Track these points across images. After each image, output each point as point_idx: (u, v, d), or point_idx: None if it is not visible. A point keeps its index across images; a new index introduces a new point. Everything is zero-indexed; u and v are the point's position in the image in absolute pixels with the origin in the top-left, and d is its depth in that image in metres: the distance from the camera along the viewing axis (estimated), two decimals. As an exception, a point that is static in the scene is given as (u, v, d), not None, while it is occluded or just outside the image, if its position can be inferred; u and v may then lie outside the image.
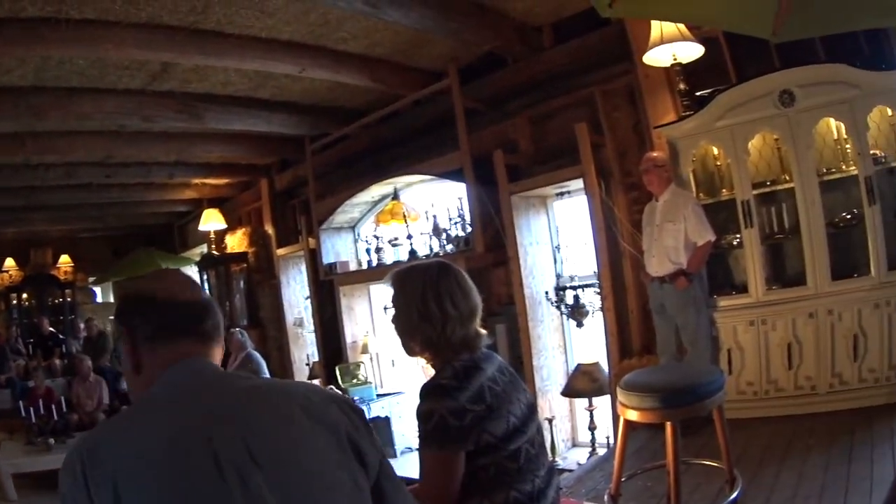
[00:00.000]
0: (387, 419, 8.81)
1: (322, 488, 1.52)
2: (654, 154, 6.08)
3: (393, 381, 9.95)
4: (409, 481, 1.97)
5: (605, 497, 3.94)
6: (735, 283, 6.32)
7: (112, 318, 1.91)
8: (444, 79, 7.91)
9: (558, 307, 7.48)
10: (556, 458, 7.05)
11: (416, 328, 2.46)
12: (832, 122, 5.87)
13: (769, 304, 5.90)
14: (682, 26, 5.87)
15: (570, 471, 6.04)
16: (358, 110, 9.25)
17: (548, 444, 6.84)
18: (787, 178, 5.94)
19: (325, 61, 7.37)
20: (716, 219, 6.02)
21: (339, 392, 6.87)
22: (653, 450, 5.21)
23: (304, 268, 11.18)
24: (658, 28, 5.93)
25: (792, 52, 5.67)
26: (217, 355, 1.76)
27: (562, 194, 7.66)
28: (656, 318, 6.15)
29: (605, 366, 6.85)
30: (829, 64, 5.65)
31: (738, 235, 6.10)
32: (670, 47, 6.01)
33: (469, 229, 7.91)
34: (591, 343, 7.36)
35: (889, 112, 5.67)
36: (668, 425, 3.47)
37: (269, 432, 1.53)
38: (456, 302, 2.47)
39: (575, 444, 7.77)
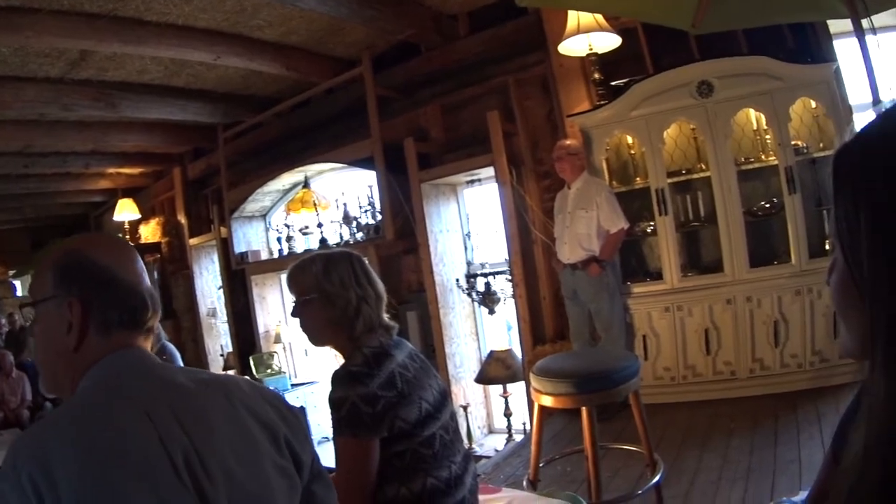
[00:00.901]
0: (302, 409, 8.01)
1: (264, 490, 1.41)
2: (567, 142, 5.77)
3: (306, 370, 9.42)
4: (328, 470, 1.75)
5: (524, 482, 3.69)
6: (649, 270, 6.13)
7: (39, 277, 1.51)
8: (358, 67, 7.42)
9: (469, 294, 7.13)
10: (473, 445, 6.77)
11: (324, 316, 2.31)
12: (752, 112, 5.71)
13: (685, 291, 5.67)
14: (599, 17, 5.63)
15: (488, 457, 5.79)
16: (271, 98, 8.69)
17: (463, 432, 6.43)
18: (704, 167, 5.73)
19: (240, 49, 6.87)
20: (629, 207, 5.80)
21: (270, 389, 6.27)
22: (570, 435, 5.00)
23: (216, 257, 10.50)
24: (575, 18, 5.65)
25: (712, 43, 5.53)
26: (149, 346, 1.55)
27: (472, 182, 7.23)
28: (568, 305, 5.86)
29: (518, 352, 6.49)
30: (751, 56, 5.49)
31: (652, 223, 5.85)
32: (587, 37, 5.75)
33: (379, 217, 7.42)
34: (503, 330, 7.09)
35: (813, 104, 5.54)
36: (584, 410, 3.27)
37: (217, 432, 1.39)
38: (363, 287, 2.34)
39: (491, 431, 7.38)
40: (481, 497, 2.51)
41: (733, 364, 5.53)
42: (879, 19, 4.54)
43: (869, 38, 3.44)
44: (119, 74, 7.35)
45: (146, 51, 6.47)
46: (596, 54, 5.87)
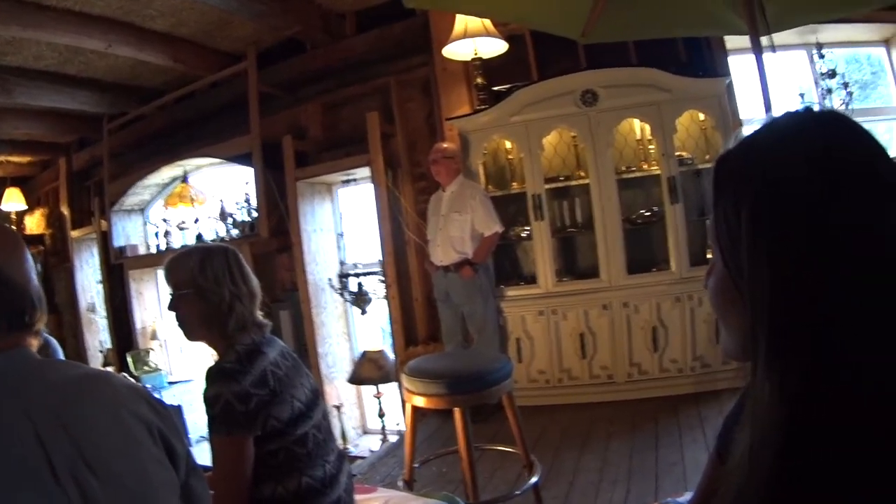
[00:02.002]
0: (178, 408, 7.37)
1: (146, 486, 1.29)
2: (444, 145, 5.37)
3: (183, 368, 8.59)
4: (205, 469, 1.66)
5: (400, 483, 3.48)
6: (524, 274, 5.78)
7: None
8: (243, 62, 6.78)
9: (342, 294, 6.59)
10: (348, 446, 6.33)
11: (198, 311, 2.15)
12: (637, 122, 5.44)
13: (560, 295, 5.35)
14: (487, 22, 5.28)
15: (363, 458, 5.37)
16: (157, 90, 7.91)
17: (338, 432, 6.18)
18: (583, 174, 5.42)
19: (131, 38, 6.24)
20: (505, 211, 5.46)
21: (141, 385, 5.63)
22: (445, 435, 4.69)
23: (96, 251, 9.53)
24: (463, 22, 5.29)
25: (601, 53, 5.28)
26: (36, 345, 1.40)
27: (348, 182, 6.71)
28: (441, 307, 5.44)
29: (390, 353, 6.04)
30: (640, 67, 5.29)
31: (527, 228, 5.48)
32: (473, 42, 5.39)
33: (255, 215, 6.82)
34: (376, 330, 6.65)
35: (701, 117, 5.35)
36: (457, 411, 3.10)
37: (97, 429, 1.27)
38: (237, 284, 2.18)
39: (366, 432, 6.87)
40: (357, 497, 2.40)
41: (610, 368, 5.27)
42: (779, 38, 4.56)
43: (767, 55, 3.20)
44: (16, 60, 6.65)
45: (44, 36, 5.86)
46: (481, 59, 5.50)
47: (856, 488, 0.68)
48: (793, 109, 0.82)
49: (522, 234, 5.52)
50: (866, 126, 0.78)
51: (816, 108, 0.82)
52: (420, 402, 3.18)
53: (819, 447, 0.69)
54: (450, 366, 3.31)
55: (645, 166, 5.37)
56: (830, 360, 0.70)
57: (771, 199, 0.74)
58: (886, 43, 6.26)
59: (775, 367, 0.72)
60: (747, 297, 0.75)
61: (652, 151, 5.34)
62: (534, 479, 3.33)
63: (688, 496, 1.47)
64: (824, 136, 0.77)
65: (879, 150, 0.77)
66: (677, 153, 5.21)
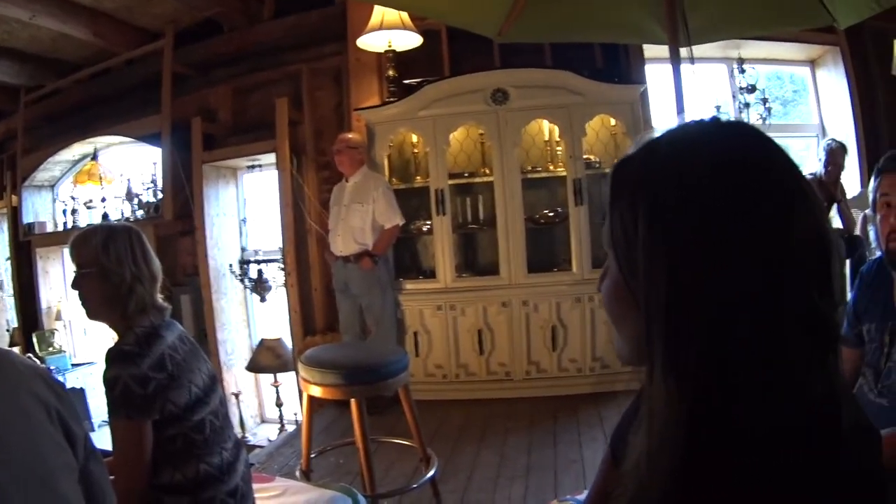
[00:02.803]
0: (82, 391, 7.00)
1: (44, 467, 1.18)
2: (349, 135, 5.12)
3: (86, 349, 8.13)
4: (106, 454, 1.54)
5: (297, 473, 3.29)
6: (423, 269, 5.56)
7: None
8: (161, 40, 6.42)
9: (242, 281, 6.28)
10: (246, 434, 6.03)
11: (99, 291, 2.03)
12: (546, 123, 5.30)
13: (459, 291, 5.15)
14: (405, 15, 5.09)
15: (261, 447, 5.14)
16: (75, 64, 7.43)
17: (236, 420, 5.87)
18: (488, 171, 5.24)
19: (55, 10, 5.83)
20: (407, 204, 5.20)
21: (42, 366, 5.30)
22: (342, 426, 4.47)
23: (6, 227, 8.87)
24: (380, 14, 5.09)
25: (515, 53, 5.24)
26: None
27: (253, 167, 6.41)
28: (339, 298, 5.19)
29: (288, 342, 5.78)
30: (554, 70, 5.14)
31: (429, 222, 5.26)
32: (388, 34, 5.18)
33: (161, 196, 6.45)
34: (274, 318, 6.33)
35: (612, 121, 5.26)
36: (353, 402, 2.99)
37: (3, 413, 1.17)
38: (138, 266, 2.06)
39: (264, 420, 6.60)
40: (255, 486, 2.30)
41: (508, 365, 5.10)
42: (701, 50, 4.52)
43: (686, 66, 3.11)
44: (-59, 28, 6.13)
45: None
46: (394, 52, 5.29)
47: (756, 491, 0.67)
48: (697, 119, 0.79)
49: (424, 229, 5.32)
50: (779, 140, 0.76)
51: (724, 118, 0.78)
52: (317, 391, 3.06)
53: (718, 451, 0.68)
54: (347, 356, 3.22)
55: (551, 167, 5.24)
56: (727, 365, 0.68)
57: (669, 203, 0.71)
58: (812, 63, 6.27)
59: (672, 372, 0.70)
60: (642, 301, 0.73)
61: (559, 153, 5.20)
62: (431, 473, 3.24)
63: (587, 493, 1.36)
64: (727, 144, 0.75)
65: (783, 161, 0.75)
66: (585, 156, 5.09)
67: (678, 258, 0.70)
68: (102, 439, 1.68)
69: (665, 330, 0.70)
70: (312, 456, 3.37)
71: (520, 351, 5.06)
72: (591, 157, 5.17)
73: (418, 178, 5.40)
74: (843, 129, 5.76)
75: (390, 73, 5.31)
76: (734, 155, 0.73)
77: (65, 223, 7.56)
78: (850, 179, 5.52)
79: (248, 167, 6.43)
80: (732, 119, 0.79)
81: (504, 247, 5.06)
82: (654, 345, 0.71)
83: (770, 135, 0.76)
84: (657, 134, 0.78)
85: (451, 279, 5.13)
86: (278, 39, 6.04)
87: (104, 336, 6.88)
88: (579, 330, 5.00)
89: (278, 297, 6.17)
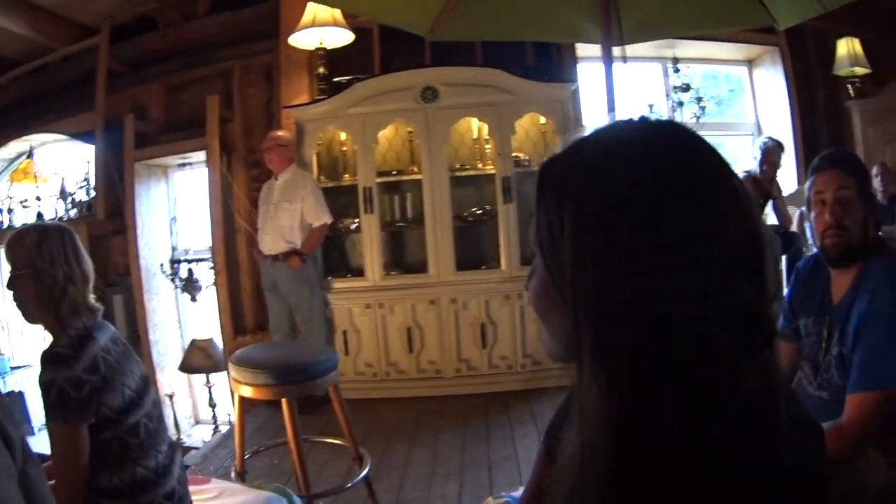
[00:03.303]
0: (21, 394, 6.83)
1: None
2: (279, 133, 5.11)
3: (25, 352, 7.82)
4: (44, 458, 1.63)
5: (232, 474, 3.27)
6: (352, 267, 5.56)
7: None
8: (97, 36, 6.30)
9: (173, 280, 6.22)
10: (181, 436, 5.93)
11: (33, 293, 1.99)
12: (475, 121, 5.35)
13: (387, 289, 5.17)
14: (337, 12, 5.08)
15: (196, 448, 5.09)
16: (14, 60, 7.20)
17: (170, 421, 5.76)
18: (416, 169, 5.28)
19: None
20: (336, 203, 5.22)
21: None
22: (275, 426, 4.46)
23: (-55, 226, 8.80)
24: (312, 11, 5.07)
25: (446, 52, 5.22)
26: None
27: (184, 165, 6.36)
28: (269, 297, 5.17)
29: (219, 342, 5.73)
30: (484, 68, 5.19)
31: (357, 220, 5.27)
32: (320, 31, 5.17)
33: (93, 194, 6.35)
34: (206, 318, 6.24)
35: (542, 120, 5.32)
36: (284, 402, 2.97)
37: None
38: (71, 266, 2.02)
39: (198, 422, 6.50)
40: (192, 488, 2.29)
41: (438, 363, 5.12)
42: (636, 49, 4.67)
43: (619, 65, 3.12)
44: None
45: None
46: (325, 49, 5.27)
47: (691, 489, 0.67)
48: (627, 118, 0.80)
49: (352, 227, 5.31)
50: (713, 139, 0.71)
51: (653, 117, 0.79)
52: (247, 392, 3.03)
53: (651, 449, 0.68)
54: (276, 356, 3.20)
55: (480, 165, 5.27)
56: (657, 362, 0.68)
57: (594, 202, 0.72)
58: (749, 63, 6.30)
59: (601, 369, 0.70)
60: (569, 300, 0.73)
61: (489, 151, 5.22)
62: (364, 472, 3.24)
63: (522, 490, 1.42)
64: (654, 143, 0.75)
65: (712, 159, 0.75)
66: (514, 154, 5.12)
67: (604, 257, 0.70)
68: (43, 443, 1.81)
69: (593, 328, 0.70)
70: (246, 457, 3.36)
71: (450, 348, 5.07)
72: (521, 155, 5.19)
73: (347, 176, 5.38)
74: (781, 127, 5.83)
75: (321, 70, 5.32)
76: (661, 154, 0.74)
77: (0, 222, 7.34)
78: (788, 177, 5.55)
79: (179, 165, 6.37)
80: (661, 118, 0.80)
81: (432, 245, 5.07)
82: (582, 342, 0.71)
83: (701, 133, 0.76)
84: (584, 133, 0.79)
85: (379, 277, 5.13)
86: (211, 36, 5.98)
87: (41, 338, 6.82)
88: (509, 327, 5.02)
89: (209, 297, 6.12)
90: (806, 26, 5.67)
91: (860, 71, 5.90)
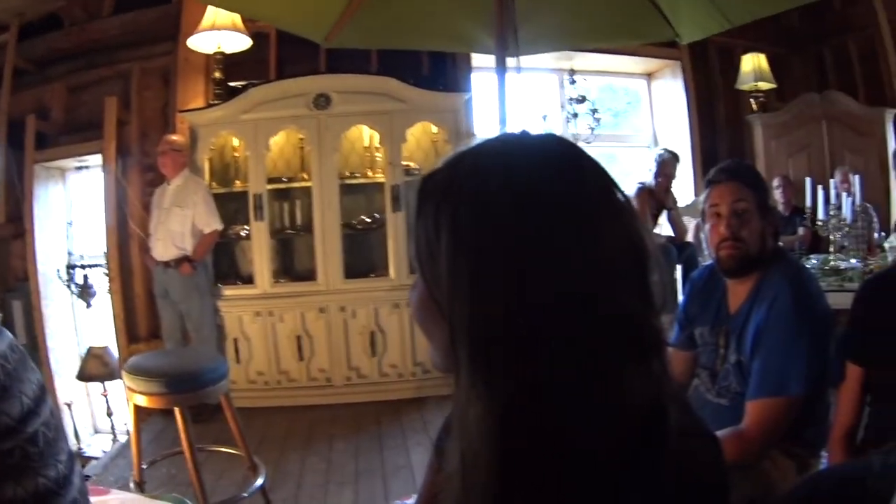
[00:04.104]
0: None
1: None
2: (173, 137, 5.10)
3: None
4: None
5: (131, 485, 3.27)
6: (241, 274, 5.52)
7: None
8: (5, 34, 6.13)
9: (69, 286, 6.09)
10: (81, 445, 5.80)
11: None
12: (366, 129, 5.38)
13: (277, 297, 5.16)
14: (237, 17, 5.10)
15: (97, 458, 4.98)
16: None
17: (70, 430, 5.63)
18: (306, 176, 5.27)
19: None
20: (226, 209, 5.16)
21: None
22: (172, 435, 4.31)
23: None
24: (212, 15, 5.05)
25: (342, 59, 5.30)
26: None
27: (81, 168, 6.26)
28: (161, 304, 5.14)
29: (114, 349, 5.61)
30: (378, 76, 5.26)
31: (247, 227, 5.25)
32: (219, 35, 5.15)
33: None
34: (101, 325, 6.11)
35: (434, 129, 5.36)
36: (177, 411, 2.98)
37: None
38: None
39: (97, 431, 6.34)
40: (92, 499, 1.90)
41: (328, 371, 5.13)
42: (533, 60, 4.95)
43: (514, 76, 3.21)
44: None
45: None
46: (223, 53, 5.26)
47: (574, 496, 0.68)
48: (508, 132, 0.82)
49: (242, 234, 5.30)
50: (609, 150, 0.76)
51: (535, 131, 0.80)
52: (141, 400, 3.02)
53: (533, 461, 0.68)
54: (168, 364, 3.18)
55: (370, 173, 5.30)
56: (536, 375, 0.68)
57: (471, 215, 0.72)
58: (648, 76, 6.36)
59: (479, 380, 0.70)
60: (447, 312, 0.74)
61: (379, 159, 5.26)
62: (260, 482, 3.25)
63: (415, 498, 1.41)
64: (533, 156, 0.77)
65: (592, 171, 0.77)
66: (405, 163, 5.14)
67: (480, 270, 0.71)
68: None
69: (469, 340, 0.71)
70: (144, 467, 3.34)
71: (339, 357, 5.09)
72: (411, 163, 5.22)
73: (238, 182, 5.35)
74: (679, 140, 5.90)
75: (217, 75, 5.30)
76: (540, 167, 0.75)
77: None
78: (684, 188, 5.62)
79: (77, 168, 6.27)
80: (543, 132, 0.80)
81: (321, 252, 5.08)
82: (460, 354, 0.72)
83: (590, 146, 0.78)
84: (465, 147, 0.80)
85: (268, 285, 5.13)
86: (116, 36, 5.89)
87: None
88: (398, 335, 5.07)
89: (103, 304, 6.01)
90: (711, 41, 5.77)
91: (764, 86, 6.01)
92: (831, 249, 4.57)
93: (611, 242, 0.72)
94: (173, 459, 3.81)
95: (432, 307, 0.78)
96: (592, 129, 5.64)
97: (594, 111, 5.68)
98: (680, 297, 2.46)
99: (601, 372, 0.69)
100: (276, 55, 5.59)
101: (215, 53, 5.25)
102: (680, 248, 5.23)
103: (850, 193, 5.02)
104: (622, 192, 0.76)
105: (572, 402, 0.68)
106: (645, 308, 0.73)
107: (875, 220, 5.58)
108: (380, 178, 5.20)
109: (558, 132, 0.83)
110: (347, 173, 5.27)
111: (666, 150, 5.38)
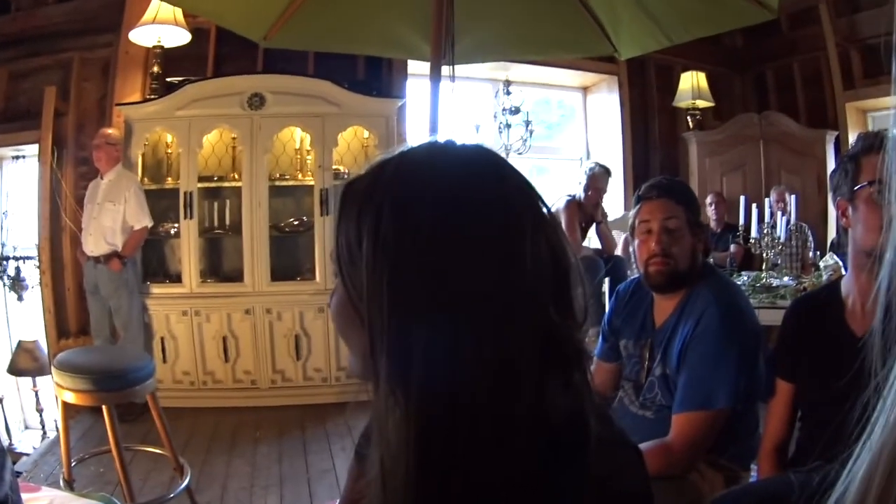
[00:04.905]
0: None
1: None
2: (108, 131, 5.03)
3: None
4: None
5: (61, 482, 3.25)
6: (170, 272, 5.46)
7: None
8: None
9: (1, 278, 6.02)
10: (12, 441, 5.69)
11: None
12: (298, 131, 5.35)
13: (204, 297, 5.13)
14: (179, 12, 5.06)
15: (27, 455, 4.95)
16: None
17: (1, 425, 5.59)
18: (237, 176, 5.26)
19: None
20: (157, 206, 5.12)
21: None
22: (101, 433, 4.24)
23: None
24: (155, 8, 5.05)
25: (279, 59, 5.29)
26: None
27: (17, 158, 6.20)
28: (90, 299, 5.10)
29: (44, 344, 5.55)
30: (314, 78, 5.27)
31: (176, 225, 5.21)
32: (160, 29, 5.16)
33: None
34: (33, 319, 6.01)
35: (365, 134, 5.39)
36: (105, 409, 2.95)
37: None
38: None
39: (28, 426, 6.24)
40: (24, 496, 1.96)
41: (253, 373, 5.11)
42: (470, 69, 5.00)
43: (448, 84, 3.14)
44: None
45: None
46: (162, 47, 5.27)
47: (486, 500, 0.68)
48: (433, 140, 0.82)
49: (171, 231, 5.27)
50: (541, 163, 0.76)
51: (461, 141, 0.80)
52: (70, 397, 3.00)
53: (451, 466, 0.68)
54: (96, 361, 3.15)
55: (300, 176, 5.32)
56: (454, 385, 0.68)
57: (392, 223, 0.72)
58: (584, 89, 6.42)
59: (396, 388, 0.70)
60: (365, 318, 0.74)
61: (309, 162, 5.27)
62: (185, 483, 3.24)
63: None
64: (456, 166, 0.77)
65: (515, 183, 0.77)
66: (335, 167, 5.16)
67: (400, 276, 0.71)
68: None
69: (387, 348, 0.71)
70: (73, 464, 3.32)
71: (264, 359, 5.08)
72: (341, 167, 5.24)
73: (170, 179, 5.33)
74: (612, 154, 5.96)
75: (155, 69, 5.29)
76: (462, 177, 0.75)
77: None
78: (615, 202, 5.70)
79: (13, 157, 6.21)
80: (469, 142, 0.81)
81: (249, 254, 5.07)
82: (378, 362, 0.72)
83: (516, 157, 0.79)
84: (390, 154, 0.79)
85: (196, 284, 5.11)
86: (60, 24, 5.80)
87: None
88: (323, 339, 5.06)
89: (35, 297, 5.93)
90: (651, 57, 5.84)
91: (702, 104, 6.10)
92: (764, 267, 4.65)
93: (532, 254, 0.72)
94: (101, 457, 3.79)
95: (352, 313, 0.78)
96: (525, 140, 5.68)
97: (528, 122, 5.71)
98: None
99: (519, 382, 0.69)
100: (215, 52, 5.57)
101: (155, 47, 5.24)
102: (608, 261, 5.30)
103: (785, 212, 5.14)
104: (546, 206, 0.78)
105: (489, 412, 0.68)
106: (565, 320, 0.74)
107: (811, 239, 5.71)
108: (309, 181, 5.20)
109: (490, 142, 0.86)
110: (278, 175, 5.27)
111: (597, 163, 5.43)
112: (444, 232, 0.71)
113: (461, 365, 0.69)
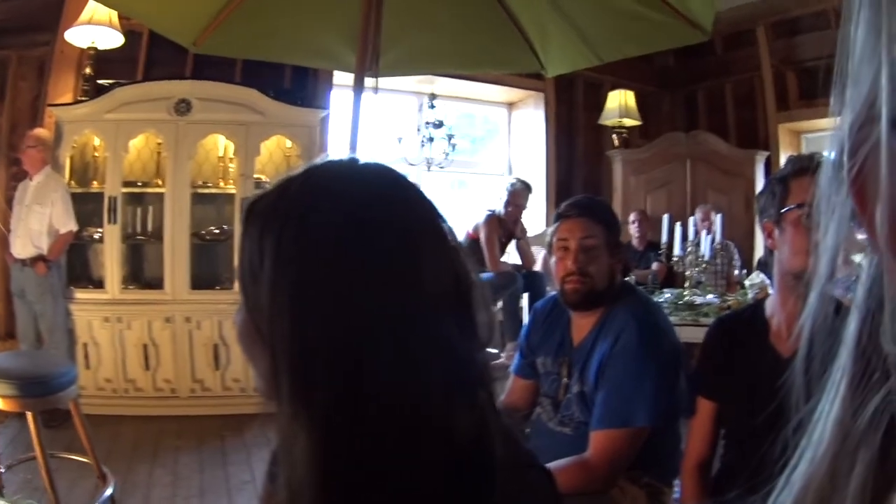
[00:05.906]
0: None
1: None
2: (38, 132, 5.02)
3: None
4: None
5: None
6: (93, 278, 5.40)
7: None
8: None
9: None
10: None
11: None
12: (222, 139, 5.36)
13: (126, 304, 5.09)
14: (115, 14, 5.05)
15: None
16: None
17: None
18: (161, 182, 5.25)
19: None
20: (83, 210, 5.08)
21: None
22: (28, 440, 4.24)
23: None
24: (91, 9, 5.02)
25: (207, 65, 5.32)
26: None
27: None
28: (17, 303, 5.07)
29: None
30: (239, 86, 5.28)
31: (100, 230, 5.18)
32: (94, 30, 5.14)
33: None
34: None
35: (288, 143, 5.41)
36: (29, 416, 2.98)
37: None
38: None
39: None
40: None
41: (174, 382, 5.10)
42: (396, 82, 5.00)
43: (370, 95, 3.15)
44: None
45: None
46: (96, 49, 5.23)
47: None
48: (336, 158, 0.83)
49: (95, 236, 5.24)
50: (460, 177, 0.81)
51: (364, 159, 0.82)
52: None
53: (356, 489, 0.69)
54: (20, 366, 3.17)
55: (222, 184, 5.33)
56: (357, 405, 0.69)
57: (294, 241, 0.72)
58: (509, 105, 6.49)
59: (299, 409, 0.70)
60: (267, 338, 0.73)
61: (232, 170, 5.29)
62: (108, 492, 3.26)
63: None
64: (357, 185, 0.78)
65: (415, 202, 0.79)
66: (256, 176, 5.16)
67: (301, 294, 0.71)
68: None
69: (289, 369, 0.71)
70: (2, 471, 3.35)
71: (184, 368, 5.08)
72: (263, 176, 5.24)
73: (95, 183, 5.31)
74: (535, 170, 6.02)
75: (87, 70, 5.29)
76: (363, 195, 0.76)
77: None
78: (536, 218, 5.80)
79: (-52, 157, 6.15)
80: (370, 160, 0.82)
81: (169, 261, 5.07)
82: (281, 382, 0.71)
83: (437, 170, 0.82)
84: (295, 172, 0.80)
85: (118, 291, 5.09)
86: (1, 21, 5.75)
87: None
88: (240, 349, 5.04)
89: None
90: (579, 75, 5.92)
91: (629, 122, 6.17)
92: (687, 284, 4.70)
93: (433, 273, 0.73)
94: (29, 464, 3.78)
95: (254, 333, 0.77)
96: (447, 154, 5.73)
97: (451, 136, 5.77)
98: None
99: (422, 404, 0.69)
100: (146, 56, 5.57)
101: (89, 48, 5.23)
102: (527, 277, 5.42)
103: (710, 231, 5.24)
104: (448, 226, 0.78)
105: (393, 433, 0.68)
106: (468, 340, 0.74)
107: (736, 257, 5.80)
108: (231, 189, 5.22)
109: (412, 155, 0.94)
110: (200, 182, 5.26)
111: (518, 179, 5.52)
112: (346, 248, 0.72)
113: (363, 388, 0.69)
